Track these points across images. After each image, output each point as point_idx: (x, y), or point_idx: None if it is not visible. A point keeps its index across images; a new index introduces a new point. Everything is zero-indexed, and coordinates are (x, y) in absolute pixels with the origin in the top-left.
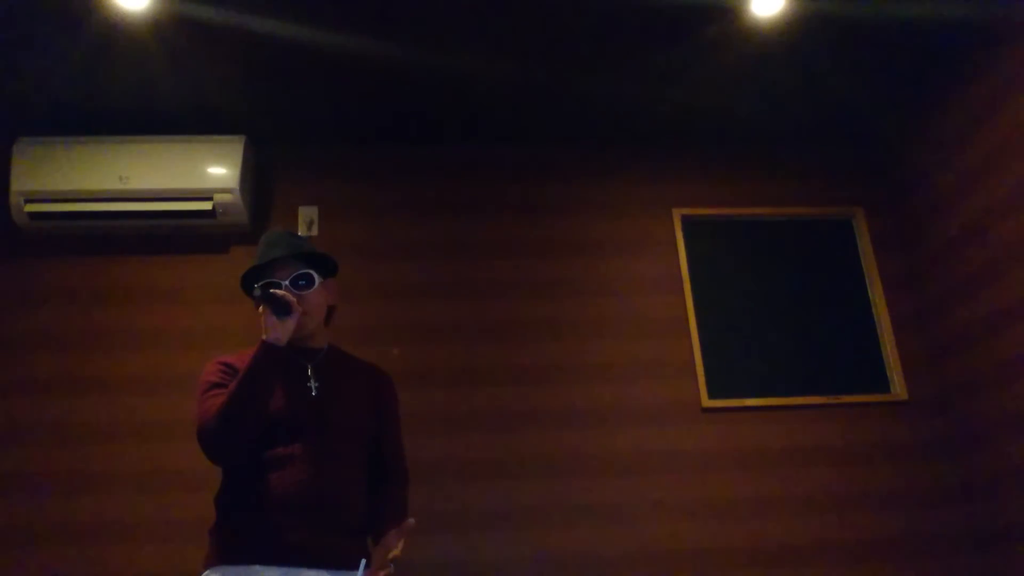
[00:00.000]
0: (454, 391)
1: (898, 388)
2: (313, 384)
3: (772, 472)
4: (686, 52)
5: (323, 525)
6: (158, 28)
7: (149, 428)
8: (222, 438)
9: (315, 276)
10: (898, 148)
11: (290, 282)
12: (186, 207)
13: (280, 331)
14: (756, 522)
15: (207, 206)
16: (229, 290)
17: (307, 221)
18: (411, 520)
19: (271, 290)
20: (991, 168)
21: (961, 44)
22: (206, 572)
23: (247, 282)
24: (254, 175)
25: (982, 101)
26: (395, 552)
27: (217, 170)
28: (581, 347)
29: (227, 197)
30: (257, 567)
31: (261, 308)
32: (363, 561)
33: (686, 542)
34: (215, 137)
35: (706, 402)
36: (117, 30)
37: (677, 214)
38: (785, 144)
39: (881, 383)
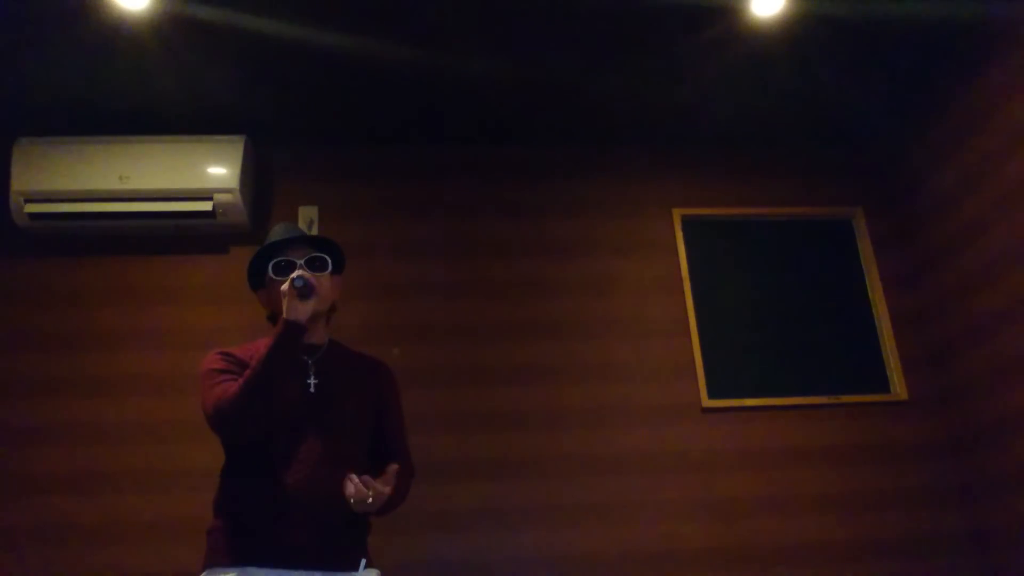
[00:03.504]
0: (454, 391)
1: (898, 388)
2: (312, 381)
3: (772, 472)
4: (686, 52)
5: (321, 526)
6: (158, 28)
7: (149, 428)
8: (242, 415)
9: (328, 260)
10: (898, 148)
11: (306, 262)
12: (186, 207)
13: (301, 311)
14: (756, 522)
15: (207, 206)
16: (229, 290)
17: (307, 221)
18: (394, 466)
19: (297, 272)
20: (990, 168)
21: (961, 44)
22: (204, 573)
23: (256, 267)
24: (254, 175)
25: (982, 101)
26: (383, 488)
27: (217, 170)
28: (581, 347)
29: (227, 197)
30: (254, 569)
31: (284, 287)
32: (363, 561)
33: (686, 542)
34: (215, 137)
35: (706, 402)
36: (117, 30)
37: (677, 214)
38: (785, 144)
39: (881, 383)
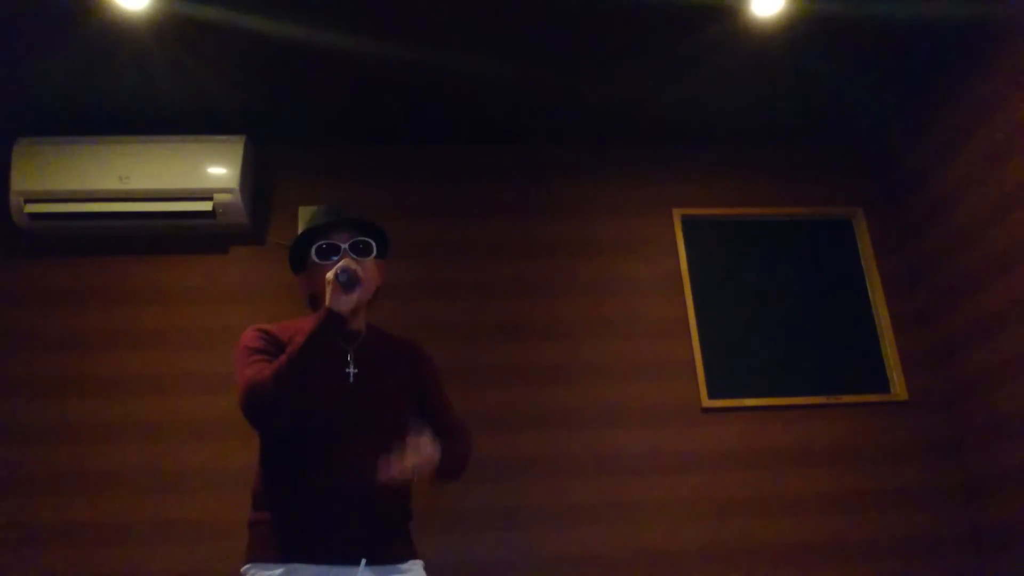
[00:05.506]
0: (454, 391)
1: (898, 388)
2: (351, 371)
3: (772, 472)
4: (686, 52)
5: (366, 519)
6: (158, 28)
7: (149, 428)
8: (275, 402)
9: (373, 244)
10: (898, 148)
11: (350, 247)
12: (186, 207)
13: (345, 303)
14: (757, 522)
15: (207, 206)
16: (229, 290)
17: (307, 221)
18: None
19: (342, 263)
20: (990, 168)
21: (961, 44)
22: (248, 566)
23: (298, 251)
24: (254, 175)
25: (982, 101)
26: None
27: (217, 170)
28: (581, 347)
29: (227, 197)
30: (300, 565)
31: (328, 276)
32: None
33: (686, 542)
34: (215, 137)
35: (706, 402)
36: (117, 30)
37: (677, 214)
38: (785, 144)
39: (881, 383)
